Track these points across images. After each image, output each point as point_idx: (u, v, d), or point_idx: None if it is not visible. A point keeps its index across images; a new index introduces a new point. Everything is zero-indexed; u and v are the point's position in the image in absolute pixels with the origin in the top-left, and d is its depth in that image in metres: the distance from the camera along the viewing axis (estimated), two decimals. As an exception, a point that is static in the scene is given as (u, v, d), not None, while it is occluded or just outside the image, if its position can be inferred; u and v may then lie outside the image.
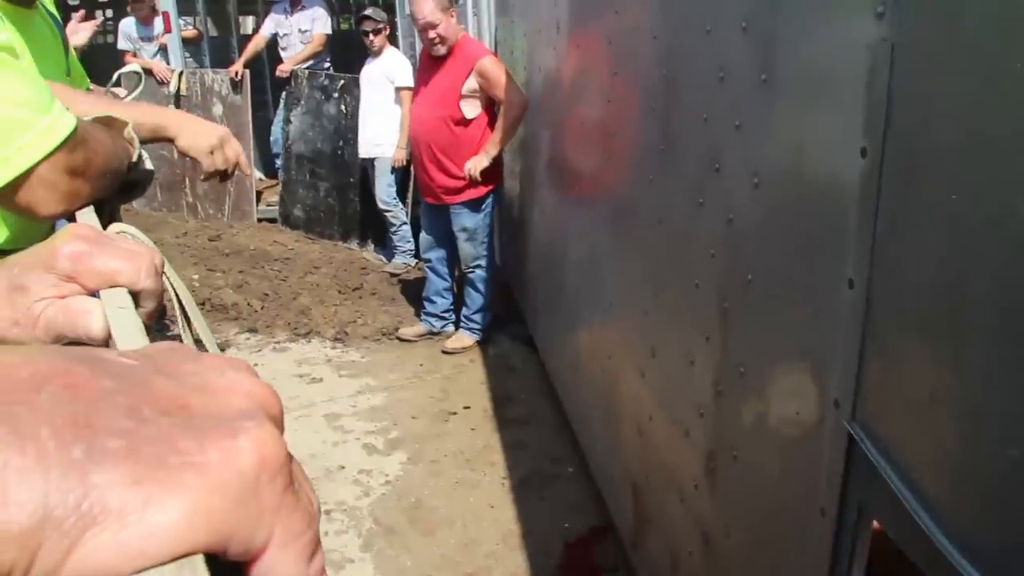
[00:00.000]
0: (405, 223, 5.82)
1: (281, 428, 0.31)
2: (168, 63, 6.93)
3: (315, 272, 5.69)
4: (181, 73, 6.75)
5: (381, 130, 5.50)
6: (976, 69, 0.88)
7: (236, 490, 0.27)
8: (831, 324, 1.22)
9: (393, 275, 5.78)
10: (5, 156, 0.89)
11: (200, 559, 0.26)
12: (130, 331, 0.53)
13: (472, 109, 4.18)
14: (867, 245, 1.10)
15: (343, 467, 3.43)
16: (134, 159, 1.07)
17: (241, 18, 8.79)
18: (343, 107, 6.33)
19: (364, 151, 5.66)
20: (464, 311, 4.65)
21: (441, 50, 4.12)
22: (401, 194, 5.82)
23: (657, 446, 2.20)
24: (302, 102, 6.60)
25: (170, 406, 0.29)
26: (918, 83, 0.99)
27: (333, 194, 6.52)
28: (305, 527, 0.29)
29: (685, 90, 1.91)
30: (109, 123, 1.06)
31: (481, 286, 4.53)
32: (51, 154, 0.91)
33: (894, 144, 1.03)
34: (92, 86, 1.97)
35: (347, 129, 6.27)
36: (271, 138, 7.32)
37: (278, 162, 7.04)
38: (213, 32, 8.32)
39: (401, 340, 4.79)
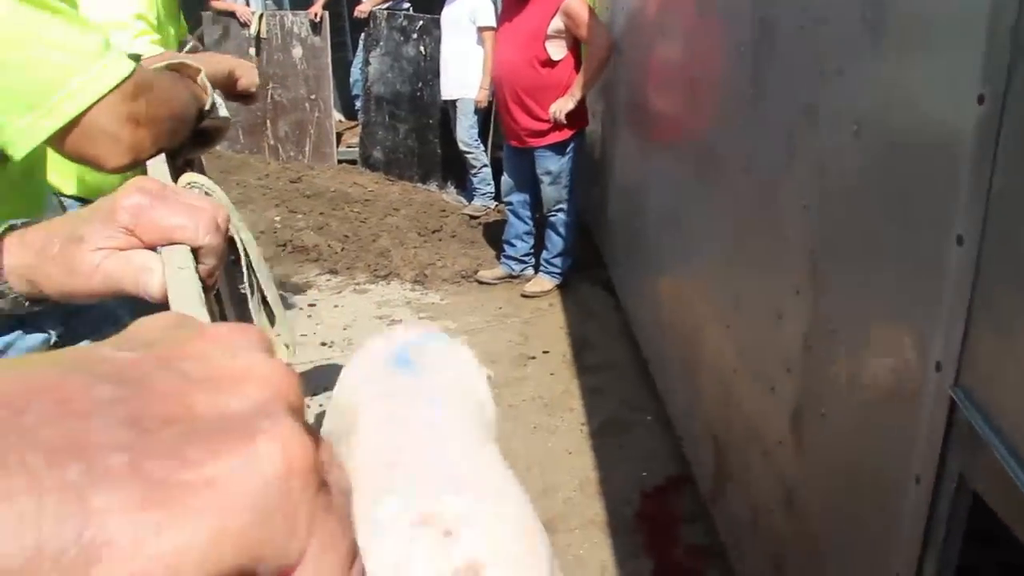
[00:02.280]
0: (486, 165, 5.79)
1: (301, 415, 0.27)
2: (249, 5, 6.97)
3: (395, 214, 5.72)
4: (261, 16, 6.78)
5: (464, 71, 5.46)
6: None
7: (262, 503, 0.23)
8: (935, 282, 1.15)
9: (473, 217, 5.77)
10: (53, 103, 0.85)
11: None
12: (187, 294, 0.51)
13: (558, 50, 4.09)
14: (981, 199, 1.02)
15: (422, 409, 3.46)
16: (207, 107, 1.04)
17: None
18: (422, 48, 6.28)
19: (447, 92, 5.64)
20: (544, 254, 4.62)
21: (525, -11, 4.03)
22: (482, 136, 5.78)
23: (740, 399, 2.15)
24: (381, 43, 6.57)
25: (175, 408, 0.25)
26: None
27: (412, 136, 6.52)
28: (343, 532, 0.26)
29: (778, 31, 1.81)
30: (181, 69, 1.03)
31: (562, 230, 4.48)
32: (101, 99, 0.86)
33: (1019, 90, 0.94)
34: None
35: (426, 71, 6.24)
36: (351, 80, 7.34)
37: (358, 104, 7.06)
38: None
39: (480, 283, 4.79)
